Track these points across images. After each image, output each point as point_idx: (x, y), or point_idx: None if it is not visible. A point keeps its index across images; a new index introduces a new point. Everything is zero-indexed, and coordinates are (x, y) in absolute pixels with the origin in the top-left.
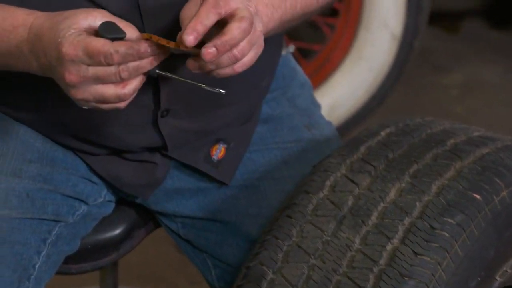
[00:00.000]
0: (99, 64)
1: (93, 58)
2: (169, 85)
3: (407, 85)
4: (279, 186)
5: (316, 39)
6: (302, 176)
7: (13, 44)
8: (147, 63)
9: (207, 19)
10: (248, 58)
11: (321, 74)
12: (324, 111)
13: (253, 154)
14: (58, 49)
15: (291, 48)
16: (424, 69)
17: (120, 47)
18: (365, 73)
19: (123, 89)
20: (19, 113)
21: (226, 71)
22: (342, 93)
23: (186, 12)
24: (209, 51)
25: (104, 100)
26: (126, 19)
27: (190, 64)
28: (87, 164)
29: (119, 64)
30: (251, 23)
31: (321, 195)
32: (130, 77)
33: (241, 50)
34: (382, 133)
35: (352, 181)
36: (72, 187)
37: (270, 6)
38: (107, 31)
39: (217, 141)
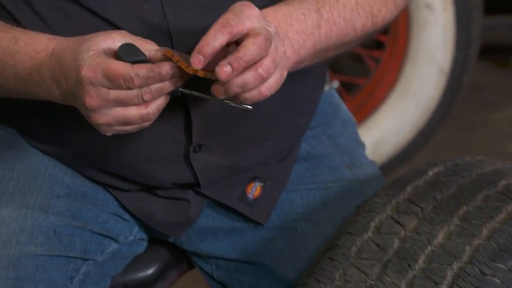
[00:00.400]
0: (119, 87)
1: (113, 82)
2: (202, 118)
3: (456, 122)
4: (317, 228)
5: (360, 72)
6: (342, 218)
7: (35, 70)
8: (170, 84)
9: (215, 39)
10: (274, 80)
11: (365, 109)
12: (368, 148)
13: (291, 194)
14: (77, 72)
15: (335, 83)
16: (473, 105)
17: (140, 70)
18: (412, 109)
19: (146, 109)
20: (48, 147)
21: (253, 94)
22: (387, 129)
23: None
24: (224, 69)
25: (128, 122)
26: (156, 42)
27: (216, 89)
28: (118, 200)
29: (141, 87)
30: (268, 40)
31: (365, 237)
32: (153, 98)
33: (266, 69)
34: (430, 173)
35: (398, 223)
36: (101, 224)
37: (302, 33)
38: (127, 54)
39: (253, 179)
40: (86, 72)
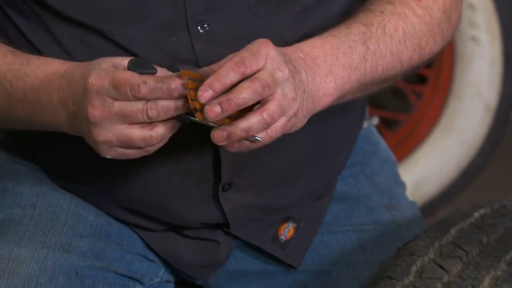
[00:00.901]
0: (125, 96)
1: (119, 89)
2: (231, 155)
3: (502, 161)
4: (353, 273)
5: (402, 108)
6: (380, 263)
7: (44, 92)
8: (180, 105)
9: (227, 77)
10: (280, 124)
11: (406, 147)
12: (409, 188)
13: (326, 236)
14: (85, 81)
15: (375, 120)
16: None
17: (149, 79)
18: (455, 147)
19: (150, 131)
20: (71, 184)
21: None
22: (429, 168)
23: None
24: (213, 109)
25: (129, 143)
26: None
27: (216, 135)
28: (144, 240)
29: (147, 99)
30: (267, 87)
31: (406, 281)
32: (159, 116)
33: (271, 114)
34: (476, 215)
35: (441, 267)
36: (126, 265)
37: (348, 67)
38: (137, 66)
39: (286, 220)
40: (93, 79)
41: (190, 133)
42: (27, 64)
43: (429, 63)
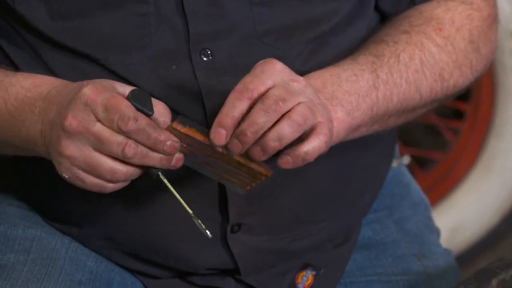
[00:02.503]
0: (110, 122)
1: (108, 112)
2: (240, 194)
3: None
4: None
5: (436, 146)
6: None
7: (27, 103)
8: (158, 158)
9: (234, 108)
10: (317, 142)
11: (441, 189)
12: (444, 235)
13: (348, 286)
14: (78, 90)
15: (406, 159)
16: None
17: (141, 119)
18: (496, 189)
19: (122, 165)
20: (69, 227)
21: (296, 156)
22: (467, 213)
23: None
24: (235, 147)
25: (95, 170)
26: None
27: (254, 152)
28: None
29: (129, 136)
30: (282, 101)
31: None
32: (133, 158)
33: (301, 114)
34: None
35: None
36: None
37: (354, 94)
38: (137, 100)
39: (304, 267)
40: (87, 90)
41: (193, 171)
42: (13, 75)
43: (466, 97)
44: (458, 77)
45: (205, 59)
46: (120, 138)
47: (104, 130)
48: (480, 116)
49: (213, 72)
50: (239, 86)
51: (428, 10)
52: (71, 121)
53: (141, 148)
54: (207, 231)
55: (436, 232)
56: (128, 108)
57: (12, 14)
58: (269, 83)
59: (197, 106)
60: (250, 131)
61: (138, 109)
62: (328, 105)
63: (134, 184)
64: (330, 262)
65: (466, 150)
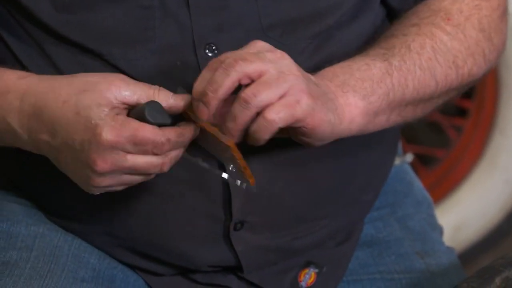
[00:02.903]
0: (144, 152)
1: (140, 147)
2: (243, 191)
3: None
4: None
5: (439, 143)
6: None
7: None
8: (181, 151)
9: (202, 79)
10: (284, 102)
11: (444, 186)
12: (447, 233)
13: (351, 284)
14: (94, 133)
15: (409, 157)
16: None
17: (171, 135)
18: (500, 187)
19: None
20: (71, 224)
21: (259, 124)
22: (470, 210)
23: None
24: (199, 109)
25: (129, 184)
26: None
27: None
28: (150, 287)
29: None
30: (243, 60)
31: None
32: (169, 168)
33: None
34: None
35: None
36: None
37: (368, 80)
38: (154, 115)
39: (307, 264)
40: (107, 135)
41: (196, 167)
42: None
43: (470, 94)
44: (472, 65)
45: (210, 54)
46: (154, 160)
47: (138, 160)
48: (484, 114)
49: None
50: (210, 62)
51: (435, 3)
52: (103, 166)
53: (173, 155)
54: (244, 183)
55: (439, 230)
56: (157, 134)
57: (17, 6)
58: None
59: None
60: (210, 89)
61: (159, 125)
62: (338, 92)
63: None
64: (332, 259)
65: (469, 148)
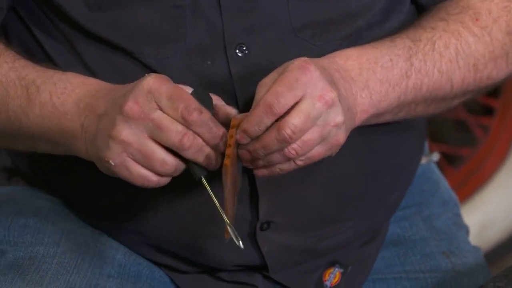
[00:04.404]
0: (174, 111)
1: (173, 102)
2: (270, 192)
3: None
4: None
5: (466, 142)
6: None
7: (73, 96)
8: (209, 154)
9: (260, 123)
10: (316, 152)
11: (470, 185)
12: (473, 232)
13: (376, 284)
14: (140, 80)
15: (435, 156)
16: None
17: (205, 112)
18: None
19: (172, 157)
20: (98, 220)
21: (284, 166)
22: (496, 209)
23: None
24: (244, 155)
25: (148, 158)
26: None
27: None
28: (176, 284)
29: (189, 127)
30: (299, 131)
31: None
32: (188, 150)
33: (301, 146)
34: None
35: None
36: None
37: (385, 83)
38: (199, 97)
39: (332, 264)
40: (151, 79)
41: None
42: (62, 73)
43: (496, 93)
44: (492, 68)
45: (240, 54)
46: (179, 127)
47: (165, 118)
48: (510, 113)
49: (248, 68)
50: (270, 98)
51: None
52: (132, 106)
53: (197, 141)
54: (240, 241)
55: (465, 229)
56: (193, 101)
57: (49, 5)
58: (299, 95)
59: (231, 102)
60: (263, 152)
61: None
62: (358, 99)
63: None
64: (357, 259)
65: (496, 146)
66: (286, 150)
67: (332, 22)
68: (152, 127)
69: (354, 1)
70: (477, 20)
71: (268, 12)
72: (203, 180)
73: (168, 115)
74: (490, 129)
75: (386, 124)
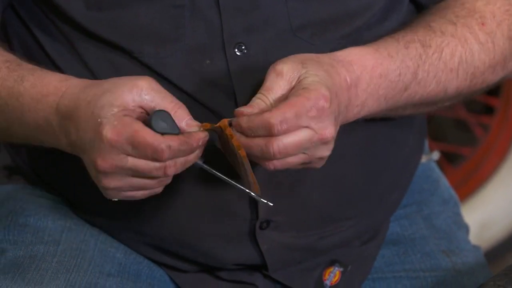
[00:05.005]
0: (144, 157)
1: (139, 150)
2: (269, 191)
3: None
4: None
5: (466, 141)
6: None
7: (41, 115)
8: (195, 157)
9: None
10: (292, 165)
11: (470, 184)
12: (473, 231)
13: (376, 283)
14: (97, 131)
15: (435, 155)
16: None
17: (172, 142)
18: None
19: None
20: (98, 219)
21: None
22: (496, 208)
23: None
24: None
25: (142, 187)
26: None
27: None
28: (175, 283)
29: (168, 159)
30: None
31: None
32: (177, 172)
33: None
34: None
35: None
36: None
37: (382, 98)
38: (159, 124)
39: (331, 263)
40: (108, 133)
41: (224, 166)
42: (21, 81)
43: (496, 92)
44: (489, 75)
45: (239, 53)
46: (157, 164)
47: (139, 162)
48: (510, 112)
49: (247, 67)
50: (275, 119)
51: (470, 1)
52: (103, 165)
53: (179, 161)
54: (265, 200)
55: (465, 228)
56: (157, 139)
57: (48, 5)
58: (303, 126)
59: (230, 101)
60: (245, 148)
61: (164, 134)
62: (351, 110)
63: None
64: (357, 258)
65: (496, 145)
66: (265, 161)
67: (331, 21)
68: (133, 172)
69: (353, 0)
70: (483, 24)
71: (267, 12)
72: (205, 166)
73: (140, 158)
74: (490, 128)
75: (386, 123)
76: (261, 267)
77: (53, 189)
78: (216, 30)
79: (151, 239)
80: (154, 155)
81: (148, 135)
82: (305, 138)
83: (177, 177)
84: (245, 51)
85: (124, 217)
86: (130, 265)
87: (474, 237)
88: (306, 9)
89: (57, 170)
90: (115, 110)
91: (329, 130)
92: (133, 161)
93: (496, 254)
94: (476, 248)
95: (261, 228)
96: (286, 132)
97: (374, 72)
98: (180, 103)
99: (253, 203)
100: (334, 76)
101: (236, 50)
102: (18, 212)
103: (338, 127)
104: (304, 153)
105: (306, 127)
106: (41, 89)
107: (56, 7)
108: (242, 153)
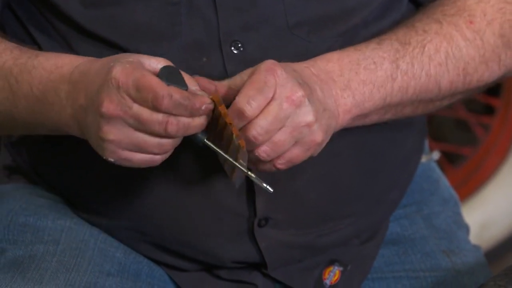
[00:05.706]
0: (146, 103)
1: (141, 93)
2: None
3: None
4: None
5: (466, 141)
6: None
7: (50, 86)
8: (199, 124)
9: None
10: (293, 155)
11: (471, 184)
12: (473, 231)
13: (376, 283)
14: (107, 72)
15: (436, 155)
16: None
17: (175, 93)
18: None
19: (167, 139)
20: (97, 218)
21: (265, 167)
22: (497, 208)
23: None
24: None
25: (140, 149)
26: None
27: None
28: (175, 282)
29: (167, 113)
30: (261, 134)
31: None
32: (177, 133)
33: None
34: None
35: None
36: None
37: (369, 84)
38: (168, 77)
39: (331, 262)
40: (117, 73)
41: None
42: (35, 57)
43: (497, 92)
44: (483, 72)
45: (235, 51)
46: (160, 116)
47: (143, 111)
48: (511, 112)
49: (243, 65)
50: (242, 102)
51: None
52: (108, 106)
53: (182, 121)
54: (266, 185)
55: (465, 228)
56: (159, 86)
57: (45, 3)
58: (269, 97)
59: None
60: (257, 134)
61: (169, 85)
62: (339, 99)
63: (162, 176)
64: (357, 258)
65: (496, 145)
66: (256, 151)
67: (328, 19)
68: (134, 122)
69: None
70: (471, 23)
71: (263, 10)
72: (207, 142)
73: (143, 106)
74: (491, 128)
75: (385, 123)
76: (260, 266)
77: (53, 188)
78: (212, 27)
79: (151, 238)
80: (155, 101)
81: (153, 80)
82: (275, 107)
83: (177, 177)
84: (242, 49)
85: (124, 217)
86: (130, 264)
87: (474, 237)
88: (303, 6)
89: (57, 170)
90: (130, 59)
91: (294, 91)
92: (137, 108)
93: (496, 254)
94: (476, 248)
95: (259, 225)
96: (257, 110)
97: (342, 61)
98: (194, 77)
99: (251, 200)
100: (294, 66)
101: (233, 48)
102: (18, 212)
103: (310, 92)
104: (286, 126)
105: (272, 97)
106: (55, 61)
107: (53, 6)
108: (242, 143)
